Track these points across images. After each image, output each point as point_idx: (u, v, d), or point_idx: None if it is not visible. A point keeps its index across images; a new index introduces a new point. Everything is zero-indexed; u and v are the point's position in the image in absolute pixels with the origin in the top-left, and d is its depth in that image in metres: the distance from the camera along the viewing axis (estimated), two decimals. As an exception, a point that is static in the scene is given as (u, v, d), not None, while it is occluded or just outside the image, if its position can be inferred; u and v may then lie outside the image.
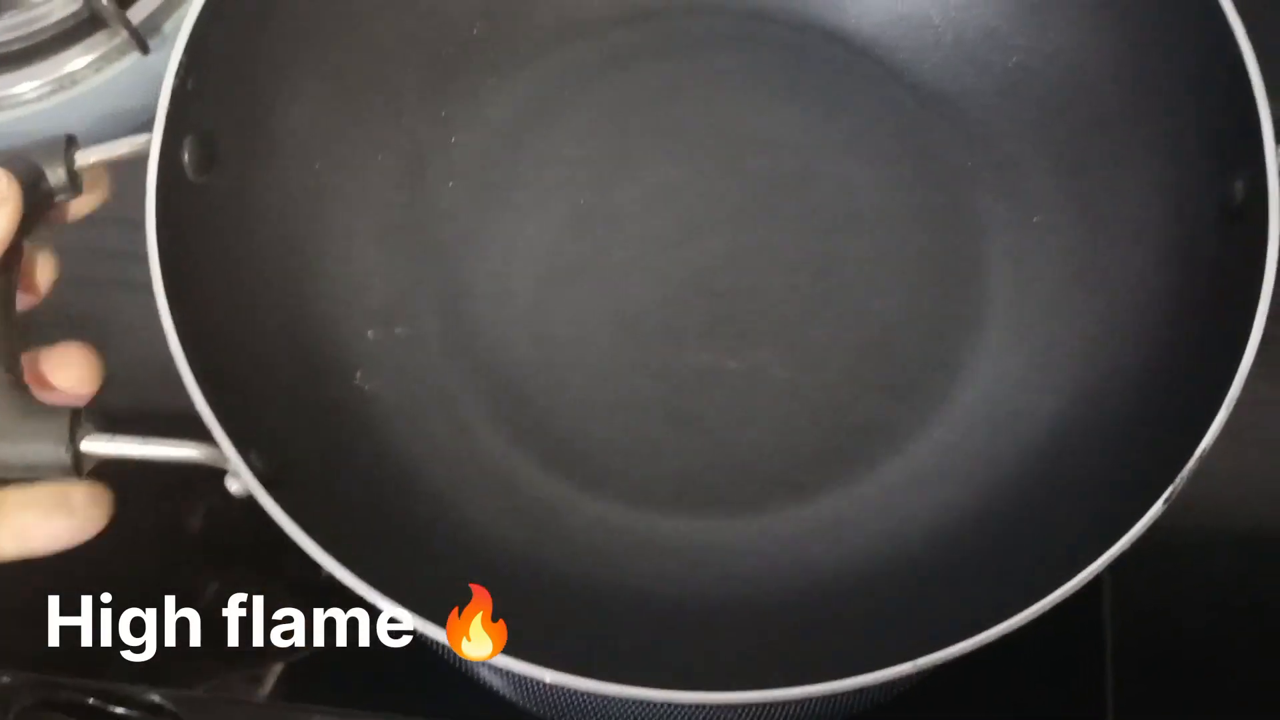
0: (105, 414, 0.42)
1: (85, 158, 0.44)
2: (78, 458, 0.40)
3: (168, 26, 0.63)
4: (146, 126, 0.59)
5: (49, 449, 0.40)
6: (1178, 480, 0.42)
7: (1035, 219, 0.55)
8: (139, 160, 0.45)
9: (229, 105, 0.49)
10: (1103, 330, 0.52)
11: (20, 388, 0.41)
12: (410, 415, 0.52)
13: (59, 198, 0.44)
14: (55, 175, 0.43)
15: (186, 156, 0.46)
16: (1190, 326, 0.49)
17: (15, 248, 0.42)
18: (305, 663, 0.54)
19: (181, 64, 0.45)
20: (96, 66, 0.62)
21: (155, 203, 0.44)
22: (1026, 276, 0.55)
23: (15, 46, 0.61)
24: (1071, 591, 0.42)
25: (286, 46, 0.52)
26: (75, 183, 0.44)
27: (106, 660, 0.52)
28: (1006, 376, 0.53)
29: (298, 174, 0.52)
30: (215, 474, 0.42)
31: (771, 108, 0.58)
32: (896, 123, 0.57)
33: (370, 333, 0.53)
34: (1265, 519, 0.58)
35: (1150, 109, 0.52)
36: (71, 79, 0.62)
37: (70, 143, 0.44)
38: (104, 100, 0.62)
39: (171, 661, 0.52)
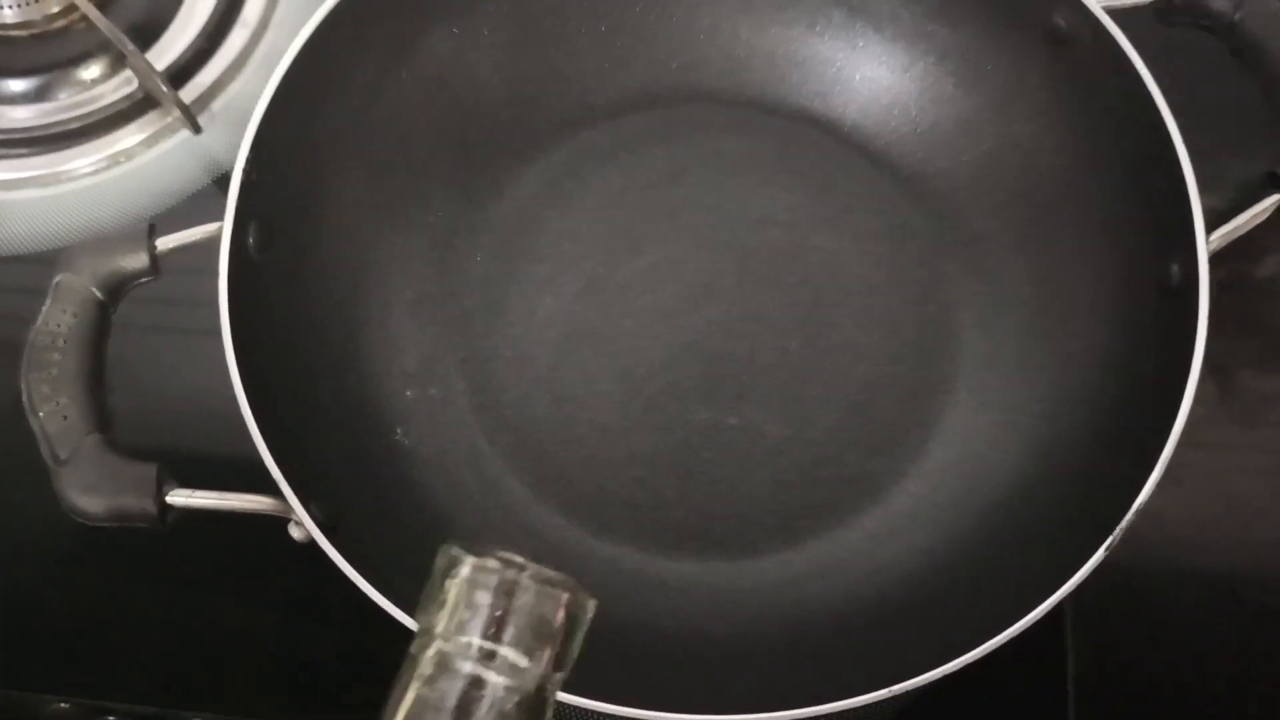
0: (183, 469, 0.47)
1: (165, 243, 0.49)
2: (163, 509, 0.45)
3: (216, 106, 0.67)
4: (197, 200, 0.65)
5: (138, 502, 0.45)
6: (1117, 531, 0.47)
7: (1001, 291, 0.60)
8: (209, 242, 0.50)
9: (284, 193, 0.54)
10: (1060, 393, 0.57)
11: (111, 447, 0.46)
12: (443, 468, 0.56)
13: (141, 280, 0.49)
14: (138, 260, 0.49)
15: (251, 239, 0.51)
16: (1134, 392, 0.54)
17: (105, 328, 0.47)
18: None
19: (248, 159, 0.51)
20: (148, 144, 0.66)
21: (227, 282, 0.49)
22: (993, 343, 0.59)
23: (73, 125, 0.66)
24: (1025, 628, 0.46)
25: (331, 141, 0.57)
26: (156, 266, 0.49)
27: (158, 686, 0.57)
28: (975, 434, 0.58)
29: (340, 251, 0.57)
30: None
31: (765, 189, 0.62)
32: (878, 202, 0.62)
33: (409, 392, 0.57)
34: (1219, 556, 0.60)
35: (1100, 196, 0.58)
36: (126, 155, 0.66)
37: (151, 230, 0.49)
38: (155, 175, 0.66)
39: (225, 687, 0.57)
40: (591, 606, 0.31)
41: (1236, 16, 0.56)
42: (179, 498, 0.46)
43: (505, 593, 0.29)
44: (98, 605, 0.58)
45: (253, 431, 0.47)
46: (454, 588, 0.29)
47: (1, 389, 0.58)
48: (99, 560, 0.57)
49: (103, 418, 0.47)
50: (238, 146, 0.65)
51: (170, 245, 0.50)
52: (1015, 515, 0.55)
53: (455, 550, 0.30)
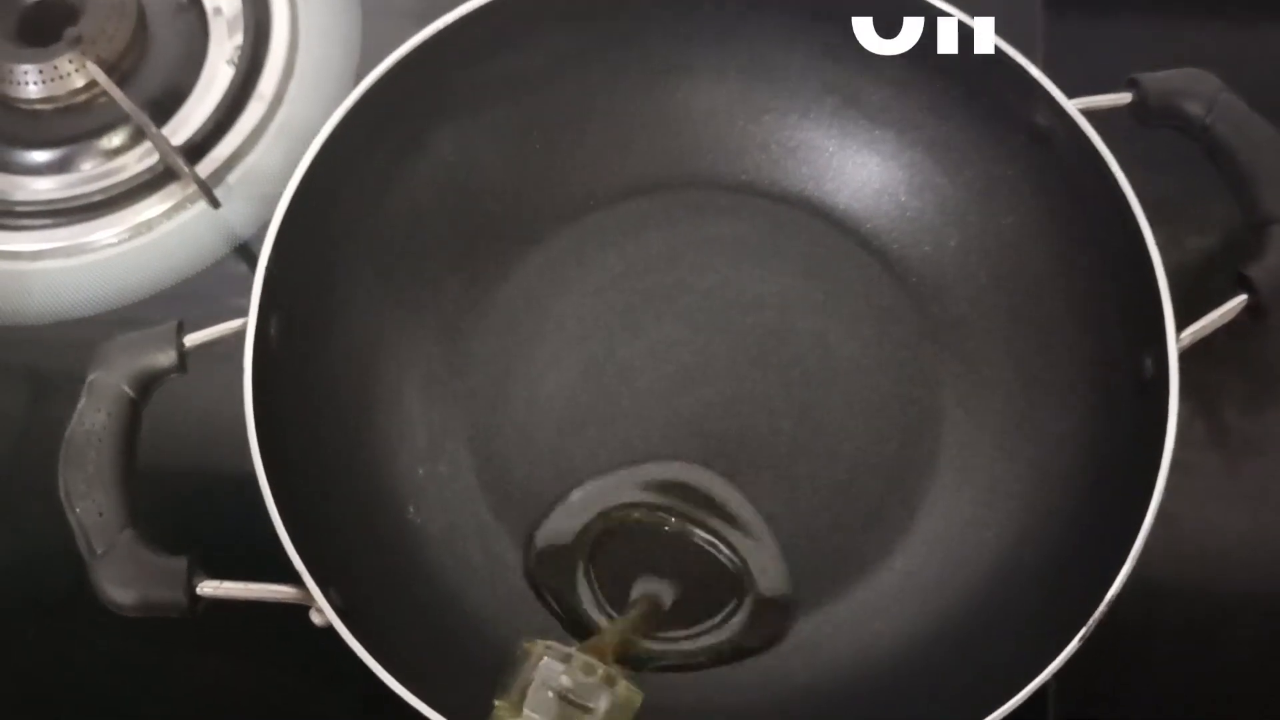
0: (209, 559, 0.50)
1: (193, 340, 0.52)
2: (193, 600, 0.48)
3: (232, 178, 0.69)
4: (215, 271, 0.67)
5: (170, 594, 0.48)
6: (1091, 621, 0.50)
7: (982, 373, 0.62)
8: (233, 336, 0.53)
9: (303, 285, 0.56)
10: (1038, 476, 0.59)
11: (144, 542, 0.49)
12: (452, 544, 0.58)
13: (170, 376, 0.52)
14: (168, 357, 0.51)
15: (273, 331, 0.54)
16: (1109, 477, 0.56)
17: (136, 425, 0.50)
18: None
19: (270, 257, 0.53)
20: (168, 215, 0.68)
21: (252, 373, 0.51)
22: (974, 424, 0.62)
23: (96, 197, 0.68)
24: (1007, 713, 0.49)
25: (346, 232, 0.59)
26: (184, 363, 0.52)
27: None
28: (957, 513, 0.60)
29: (354, 336, 0.60)
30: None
31: (758, 271, 0.65)
32: (865, 285, 0.64)
33: (420, 470, 0.59)
34: (1200, 615, 0.61)
35: (1076, 287, 0.60)
36: (147, 226, 0.68)
37: (180, 328, 0.52)
38: (175, 246, 0.68)
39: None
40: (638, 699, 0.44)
41: (1208, 120, 0.58)
42: (208, 588, 0.49)
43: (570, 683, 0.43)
44: (127, 677, 0.60)
45: (276, 523, 0.49)
46: (525, 674, 0.43)
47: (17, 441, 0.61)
48: (129, 633, 0.58)
49: (135, 513, 0.49)
50: (255, 218, 0.68)
51: (198, 342, 0.52)
52: (995, 595, 0.57)
53: (528, 644, 0.43)
